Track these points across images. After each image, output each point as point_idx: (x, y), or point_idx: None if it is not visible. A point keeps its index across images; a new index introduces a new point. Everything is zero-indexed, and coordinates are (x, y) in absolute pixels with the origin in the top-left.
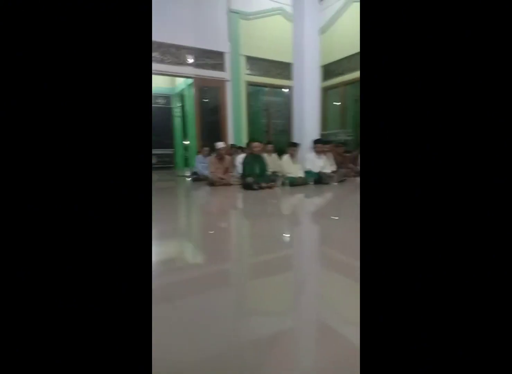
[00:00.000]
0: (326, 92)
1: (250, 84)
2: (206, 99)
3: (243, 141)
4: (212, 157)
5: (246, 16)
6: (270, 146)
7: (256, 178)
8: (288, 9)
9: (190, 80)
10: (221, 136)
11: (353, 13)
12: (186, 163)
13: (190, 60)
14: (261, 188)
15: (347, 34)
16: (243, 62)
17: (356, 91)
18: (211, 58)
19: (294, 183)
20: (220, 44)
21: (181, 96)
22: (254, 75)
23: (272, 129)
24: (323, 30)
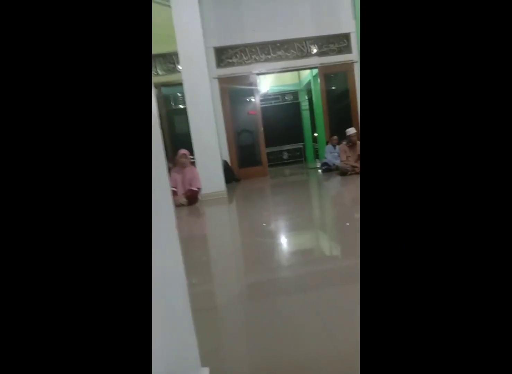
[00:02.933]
0: None
1: None
2: (333, 86)
3: None
4: (343, 145)
5: None
6: None
7: None
8: None
9: (315, 71)
10: (351, 122)
11: None
12: (317, 155)
13: (315, 50)
14: None
15: None
16: None
17: None
18: (335, 42)
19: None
20: (343, 25)
21: (307, 89)
22: None
23: None
24: None
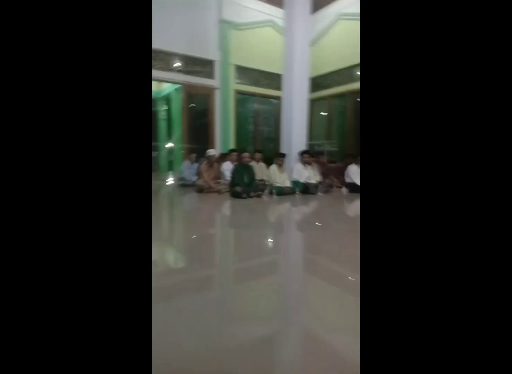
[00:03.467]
0: (313, 104)
1: (239, 92)
2: (193, 104)
3: (231, 147)
4: (204, 165)
5: (237, 26)
6: (258, 155)
7: (244, 187)
8: (279, 21)
9: (177, 85)
10: (208, 141)
11: (341, 28)
12: (170, 167)
13: (179, 67)
14: (249, 196)
15: (335, 48)
16: (232, 71)
17: (341, 103)
18: (200, 65)
19: (282, 192)
20: (210, 52)
21: (167, 99)
22: (243, 83)
23: (259, 136)
24: (313, 43)
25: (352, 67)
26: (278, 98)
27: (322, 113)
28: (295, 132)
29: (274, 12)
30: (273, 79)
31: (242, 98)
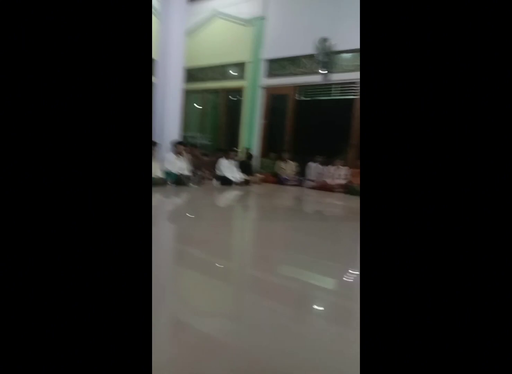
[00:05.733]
0: (188, 95)
1: None
2: None
3: None
4: None
5: None
6: None
7: None
8: (155, 3)
9: None
10: None
11: (218, 26)
12: None
13: None
14: None
15: (211, 43)
16: None
17: (215, 98)
18: None
19: (153, 183)
20: None
21: None
22: None
23: None
24: (189, 33)
25: (226, 65)
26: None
27: (196, 106)
28: (168, 122)
29: None
30: None
31: None
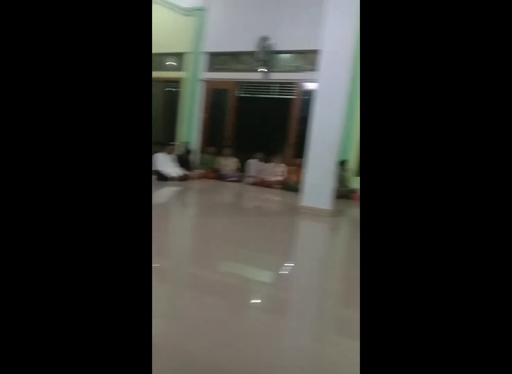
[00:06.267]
0: None
1: None
2: None
3: None
4: None
5: None
6: None
7: None
8: None
9: None
10: None
11: (157, 13)
12: None
13: None
14: None
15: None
16: None
17: (152, 89)
18: None
19: None
20: None
21: None
22: None
23: None
24: None
25: (163, 54)
26: None
27: None
28: None
29: None
30: None
31: None
